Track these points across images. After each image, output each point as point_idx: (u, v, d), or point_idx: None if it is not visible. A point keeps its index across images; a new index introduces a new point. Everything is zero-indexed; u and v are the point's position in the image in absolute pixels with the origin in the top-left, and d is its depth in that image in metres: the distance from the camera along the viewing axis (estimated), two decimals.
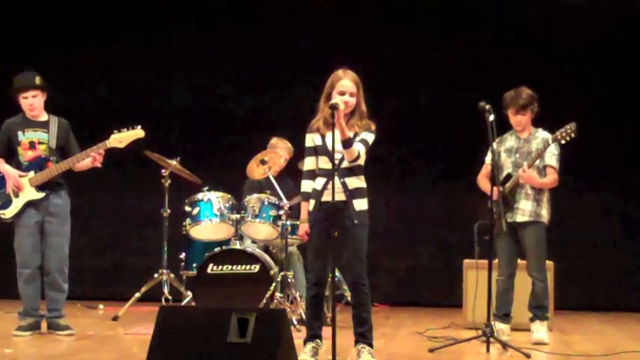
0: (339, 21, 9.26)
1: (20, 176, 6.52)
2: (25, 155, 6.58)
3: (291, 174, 7.83)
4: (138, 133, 6.59)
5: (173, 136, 9.34)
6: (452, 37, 9.21)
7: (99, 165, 6.59)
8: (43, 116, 6.67)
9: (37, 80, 6.62)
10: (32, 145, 6.59)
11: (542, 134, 6.64)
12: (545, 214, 6.62)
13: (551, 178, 6.55)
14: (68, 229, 6.67)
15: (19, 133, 6.59)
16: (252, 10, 9.43)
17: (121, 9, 9.59)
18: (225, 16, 9.47)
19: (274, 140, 7.93)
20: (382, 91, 7.98)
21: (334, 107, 5.13)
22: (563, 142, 6.34)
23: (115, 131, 6.56)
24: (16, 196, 6.54)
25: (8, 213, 6.55)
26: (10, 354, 5.70)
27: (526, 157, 6.57)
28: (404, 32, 9.20)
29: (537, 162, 6.50)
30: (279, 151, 7.76)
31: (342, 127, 5.18)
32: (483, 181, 6.76)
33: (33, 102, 6.59)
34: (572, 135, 6.29)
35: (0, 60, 9.15)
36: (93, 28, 9.62)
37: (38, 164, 6.56)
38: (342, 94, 5.30)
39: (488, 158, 6.67)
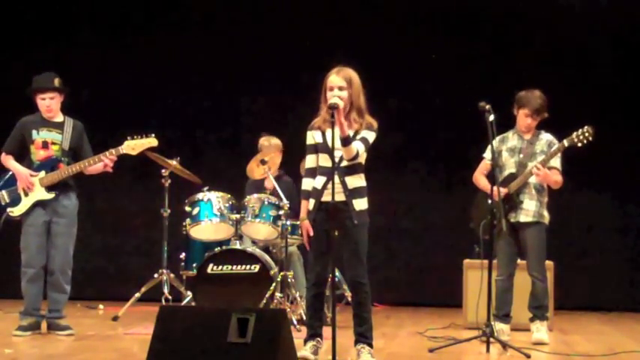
0: (340, 21, 9.26)
1: (31, 175, 6.53)
2: (37, 154, 6.59)
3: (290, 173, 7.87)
4: (151, 141, 6.59)
5: (173, 136, 9.32)
6: (452, 37, 9.21)
7: (110, 170, 6.60)
8: (59, 117, 6.69)
9: (56, 82, 6.64)
10: (45, 145, 6.60)
11: (546, 136, 6.63)
12: (546, 214, 6.62)
13: (559, 178, 6.55)
14: (75, 231, 6.68)
15: (34, 131, 6.60)
16: (252, 10, 9.43)
17: (122, 9, 9.59)
18: (226, 16, 9.48)
19: (262, 140, 7.89)
20: (382, 91, 7.97)
21: (334, 107, 5.13)
22: (579, 144, 6.32)
23: (128, 137, 6.56)
24: (26, 194, 6.55)
25: (17, 211, 6.56)
26: (10, 354, 5.70)
27: (531, 157, 6.55)
28: (404, 32, 9.21)
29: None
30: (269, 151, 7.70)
31: (342, 125, 5.18)
32: (481, 178, 6.75)
33: (50, 103, 6.61)
34: (590, 139, 6.26)
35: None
36: (93, 28, 9.62)
37: (49, 165, 6.57)
38: (331, 89, 5.31)
39: (488, 155, 6.65)
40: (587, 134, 6.26)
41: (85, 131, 6.77)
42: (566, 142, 6.39)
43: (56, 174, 6.53)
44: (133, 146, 6.55)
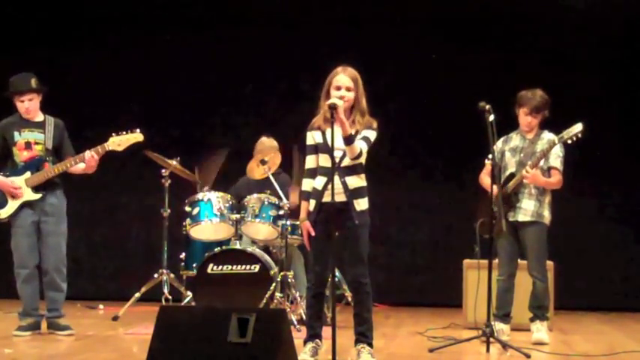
0: (340, 21, 9.26)
1: (15, 188, 6.47)
2: (21, 155, 6.56)
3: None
4: (137, 136, 6.56)
5: (173, 136, 9.33)
6: (452, 37, 9.21)
7: (90, 171, 6.56)
8: (39, 117, 6.66)
9: (33, 83, 6.58)
10: (28, 146, 6.57)
11: (548, 136, 6.62)
12: (547, 214, 6.61)
13: (555, 179, 6.55)
14: (65, 229, 6.65)
15: (15, 133, 6.56)
16: (252, 10, 9.43)
17: (120, 8, 9.59)
18: (225, 16, 9.47)
19: (258, 144, 7.89)
20: (382, 91, 7.97)
21: (333, 107, 5.12)
22: (569, 141, 6.33)
23: (113, 134, 6.53)
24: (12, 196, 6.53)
25: (4, 213, 6.53)
26: (10, 354, 5.70)
27: (530, 157, 6.55)
28: (404, 32, 9.21)
29: (542, 163, 6.50)
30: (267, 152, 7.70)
31: (344, 123, 5.17)
32: (485, 178, 6.73)
33: (29, 105, 6.56)
34: (579, 135, 6.28)
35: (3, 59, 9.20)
36: (92, 27, 9.62)
37: (35, 165, 6.54)
38: (338, 88, 5.30)
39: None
40: (576, 131, 6.28)
41: (65, 129, 6.73)
42: (556, 140, 6.40)
43: (42, 174, 6.50)
44: (119, 142, 6.52)
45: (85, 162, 6.46)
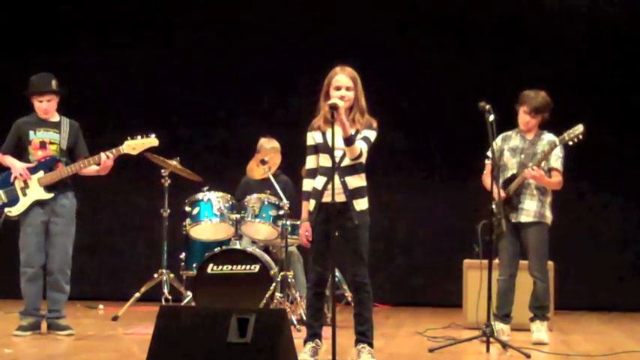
0: (339, 20, 9.26)
1: (24, 177, 6.50)
2: (35, 155, 6.58)
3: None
4: (152, 141, 6.58)
5: (173, 136, 9.32)
6: (452, 37, 9.21)
7: (102, 173, 6.57)
8: (55, 117, 6.67)
9: (53, 85, 6.61)
10: (43, 145, 6.59)
11: (548, 137, 6.61)
12: (548, 214, 6.61)
13: (556, 179, 6.55)
14: (73, 231, 6.66)
15: (31, 132, 6.58)
16: (252, 10, 9.42)
17: (120, 10, 9.59)
18: (225, 16, 9.47)
19: (262, 142, 7.89)
20: (382, 90, 7.98)
21: (334, 107, 5.12)
22: (570, 143, 6.33)
23: (128, 137, 6.54)
24: (24, 194, 6.53)
25: (15, 210, 6.54)
26: (10, 354, 5.70)
27: (532, 158, 6.54)
28: (404, 32, 9.21)
29: (543, 163, 6.49)
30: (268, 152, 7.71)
31: (344, 124, 5.16)
32: (488, 180, 6.71)
33: (47, 106, 6.58)
34: (580, 137, 6.28)
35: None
36: (92, 29, 9.62)
37: (48, 164, 6.55)
38: (338, 89, 5.29)
39: (490, 155, 6.64)
40: (577, 132, 6.28)
41: (80, 131, 6.75)
42: (557, 141, 6.40)
43: (55, 174, 6.52)
44: (134, 146, 6.54)
45: (100, 164, 6.48)
